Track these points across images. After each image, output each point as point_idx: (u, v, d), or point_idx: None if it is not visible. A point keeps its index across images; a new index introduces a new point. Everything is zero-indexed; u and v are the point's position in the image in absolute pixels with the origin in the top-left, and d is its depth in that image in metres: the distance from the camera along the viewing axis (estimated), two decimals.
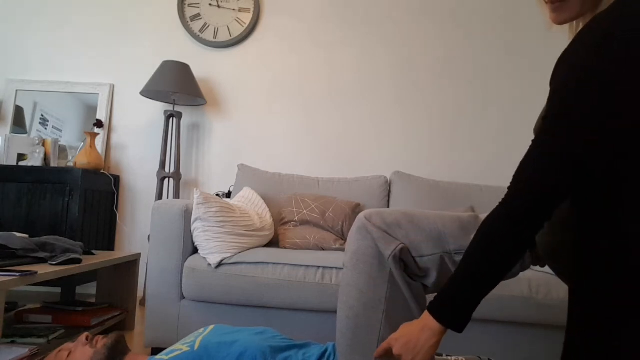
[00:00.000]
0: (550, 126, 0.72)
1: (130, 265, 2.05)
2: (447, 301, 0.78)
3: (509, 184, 0.77)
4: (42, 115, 2.83)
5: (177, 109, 2.82)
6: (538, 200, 0.71)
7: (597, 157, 0.70)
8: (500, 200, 0.77)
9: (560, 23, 0.82)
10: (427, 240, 0.89)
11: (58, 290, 2.70)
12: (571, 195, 0.78)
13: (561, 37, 2.73)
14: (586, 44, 0.69)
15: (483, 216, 0.95)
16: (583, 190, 0.74)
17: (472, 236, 0.90)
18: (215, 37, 2.83)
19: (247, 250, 1.74)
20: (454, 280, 0.78)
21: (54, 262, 1.53)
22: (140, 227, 2.81)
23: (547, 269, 1.66)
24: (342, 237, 2.06)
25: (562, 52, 0.73)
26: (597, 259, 0.73)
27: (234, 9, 2.84)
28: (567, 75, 0.71)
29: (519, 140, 2.73)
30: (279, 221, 2.10)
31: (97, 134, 2.61)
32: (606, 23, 0.68)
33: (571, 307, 0.82)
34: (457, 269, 0.78)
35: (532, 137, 2.92)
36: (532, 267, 1.58)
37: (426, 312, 0.80)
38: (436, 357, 1.25)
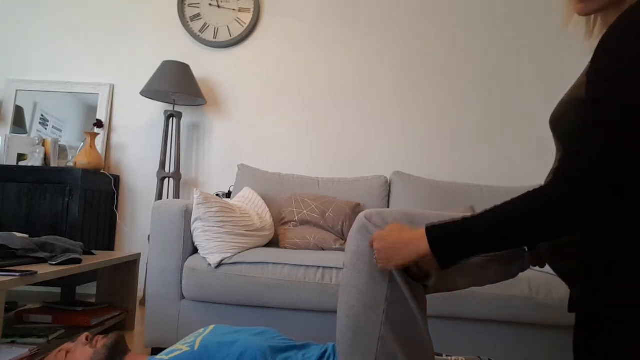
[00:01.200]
0: (598, 111, 0.66)
1: (130, 265, 2.05)
2: (450, 235, 0.78)
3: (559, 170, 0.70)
4: (42, 115, 2.83)
5: (177, 109, 2.82)
6: (595, 193, 0.65)
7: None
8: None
9: (587, 14, 0.81)
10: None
11: (58, 290, 2.70)
12: None
13: (561, 37, 2.73)
14: (629, 28, 0.66)
15: None
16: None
17: None
18: (215, 37, 2.82)
19: (247, 250, 1.74)
20: (468, 224, 0.77)
21: (54, 262, 1.53)
22: (140, 227, 2.81)
23: (547, 269, 1.66)
24: (342, 237, 2.06)
25: (603, 38, 0.68)
26: (606, 259, 0.73)
27: (234, 9, 2.84)
28: (613, 58, 0.67)
29: (519, 140, 2.73)
30: (279, 221, 2.10)
31: (97, 134, 2.61)
32: None
33: (576, 308, 0.82)
34: (478, 216, 0.76)
35: (532, 136, 2.92)
36: (531, 267, 1.58)
37: (422, 231, 0.80)
38: (436, 357, 1.25)
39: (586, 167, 0.66)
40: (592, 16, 0.86)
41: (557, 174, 0.69)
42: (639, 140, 0.63)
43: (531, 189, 0.72)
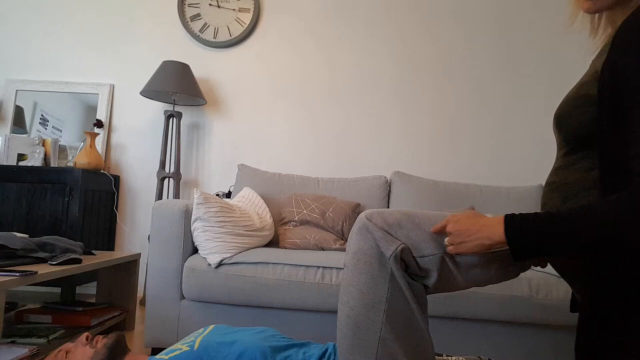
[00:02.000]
0: None
1: (130, 265, 2.05)
2: (530, 226, 0.74)
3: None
4: (42, 115, 2.83)
5: (177, 109, 2.82)
6: None
7: None
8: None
9: (594, 12, 0.81)
10: (428, 241, 0.89)
11: (58, 290, 2.70)
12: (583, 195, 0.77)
13: (563, 37, 2.73)
14: None
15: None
16: (605, 188, 0.73)
17: None
18: (215, 37, 2.82)
19: (247, 250, 1.74)
20: (550, 218, 0.73)
21: (54, 262, 1.53)
22: (140, 227, 2.81)
23: (547, 269, 1.66)
24: (342, 237, 2.06)
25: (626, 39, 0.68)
26: (609, 257, 0.72)
27: (234, 9, 2.84)
28: None
29: (519, 140, 2.73)
30: (279, 221, 2.10)
31: (97, 134, 2.61)
32: None
33: (578, 308, 0.81)
34: (563, 213, 0.73)
35: (533, 136, 2.92)
36: (532, 267, 1.58)
37: (500, 218, 0.78)
38: (438, 358, 1.25)
39: None
40: (597, 15, 0.87)
41: (635, 179, 0.67)
42: None
43: (623, 193, 0.68)
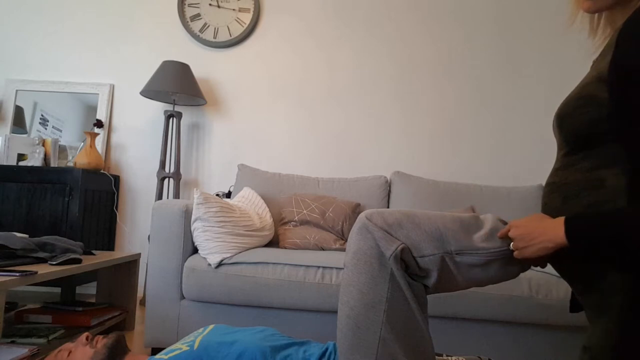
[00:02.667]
0: None
1: (130, 265, 2.05)
2: (591, 229, 0.74)
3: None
4: (42, 115, 2.83)
5: (177, 109, 2.82)
6: None
7: None
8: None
9: (594, 11, 0.81)
10: (428, 241, 0.89)
11: (58, 290, 2.70)
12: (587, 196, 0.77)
13: (563, 37, 2.73)
14: None
15: (483, 216, 0.95)
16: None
17: (473, 236, 0.89)
18: (215, 37, 2.83)
19: (247, 250, 1.74)
20: (612, 217, 0.73)
21: (54, 262, 1.53)
22: (140, 227, 2.81)
23: (547, 269, 1.66)
24: (342, 237, 2.06)
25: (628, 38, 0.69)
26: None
27: (234, 9, 2.84)
28: None
29: (519, 140, 2.73)
30: (279, 221, 2.10)
31: (97, 134, 2.61)
32: None
33: (578, 308, 0.81)
34: (630, 213, 0.72)
35: (533, 136, 2.92)
36: (532, 267, 1.58)
37: (560, 220, 0.77)
38: (438, 358, 1.25)
39: None
40: (597, 15, 0.87)
41: None
42: None
43: None
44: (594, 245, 0.74)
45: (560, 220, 0.77)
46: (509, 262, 0.91)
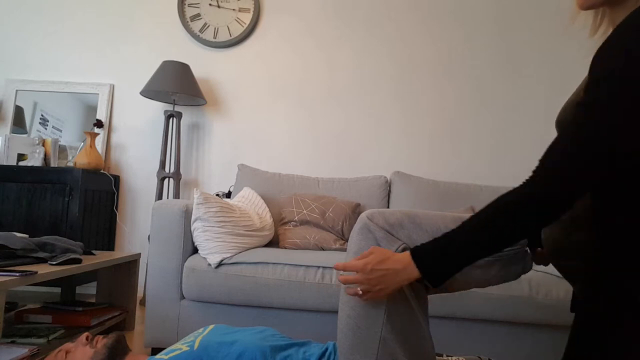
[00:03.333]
0: (588, 114, 0.69)
1: (130, 265, 2.05)
2: (436, 256, 0.79)
3: (533, 170, 0.75)
4: (42, 115, 2.83)
5: (177, 109, 2.82)
6: (564, 188, 0.69)
7: (633, 153, 0.68)
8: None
9: (587, 8, 0.81)
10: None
11: (58, 290, 2.70)
12: (592, 192, 0.77)
13: (561, 38, 2.73)
14: (628, 35, 0.67)
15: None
16: (607, 187, 0.73)
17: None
18: (215, 37, 2.82)
19: (247, 250, 1.74)
20: (448, 239, 0.79)
21: (54, 262, 1.53)
22: (140, 227, 2.81)
23: (548, 268, 1.66)
24: (342, 237, 2.06)
25: (606, 40, 0.70)
26: (613, 259, 0.72)
27: (234, 9, 2.84)
28: (607, 64, 0.68)
29: (519, 140, 2.73)
30: (279, 221, 2.10)
31: (97, 134, 2.61)
32: None
33: (579, 306, 0.82)
34: (456, 229, 0.79)
35: (533, 136, 2.92)
36: (535, 266, 1.58)
37: (409, 256, 0.81)
38: (438, 358, 1.25)
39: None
40: (599, 14, 0.86)
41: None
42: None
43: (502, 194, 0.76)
44: (447, 267, 0.79)
45: (407, 255, 0.81)
46: (509, 264, 0.91)
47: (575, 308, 0.93)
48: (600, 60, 0.70)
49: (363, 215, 0.94)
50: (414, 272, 0.80)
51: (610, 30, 0.87)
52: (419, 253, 0.81)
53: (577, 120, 0.70)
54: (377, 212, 0.93)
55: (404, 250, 0.88)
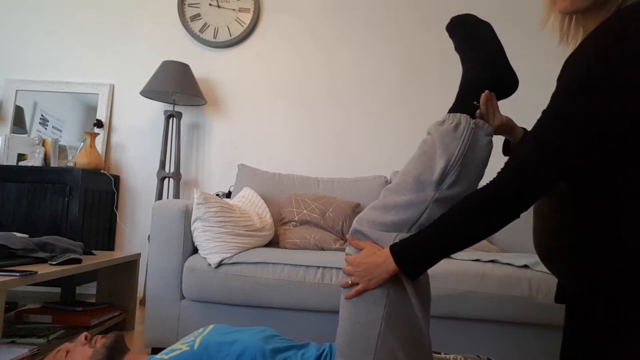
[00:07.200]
0: (549, 123, 0.75)
1: (130, 265, 2.05)
2: (411, 250, 0.86)
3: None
4: (42, 115, 2.83)
5: (177, 109, 2.82)
6: (525, 188, 0.76)
7: (596, 160, 0.71)
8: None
9: (572, 12, 0.83)
10: (410, 206, 0.92)
11: (58, 290, 2.70)
12: (571, 199, 0.79)
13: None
14: (593, 47, 0.70)
15: (429, 138, 0.99)
16: (582, 194, 0.75)
17: (435, 168, 0.93)
18: (215, 37, 2.82)
19: (247, 250, 1.74)
20: (423, 235, 0.86)
21: (54, 262, 1.53)
22: (140, 227, 2.81)
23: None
24: (342, 237, 2.06)
25: (571, 53, 0.75)
26: (593, 262, 0.74)
27: (234, 9, 2.84)
28: (572, 75, 0.73)
29: None
30: (279, 221, 2.10)
31: (97, 134, 2.61)
32: (617, 27, 0.68)
33: (572, 306, 0.83)
34: (429, 226, 0.86)
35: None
36: (532, 267, 1.58)
37: (388, 252, 0.88)
38: (435, 356, 1.25)
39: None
40: (569, 20, 0.87)
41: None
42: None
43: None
44: (421, 261, 0.86)
45: (387, 253, 0.88)
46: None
47: (565, 304, 0.95)
48: (567, 69, 0.75)
49: (353, 222, 0.99)
50: (391, 266, 0.87)
51: (581, 36, 0.88)
52: (396, 249, 0.88)
53: (541, 124, 0.77)
54: (360, 216, 0.98)
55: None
